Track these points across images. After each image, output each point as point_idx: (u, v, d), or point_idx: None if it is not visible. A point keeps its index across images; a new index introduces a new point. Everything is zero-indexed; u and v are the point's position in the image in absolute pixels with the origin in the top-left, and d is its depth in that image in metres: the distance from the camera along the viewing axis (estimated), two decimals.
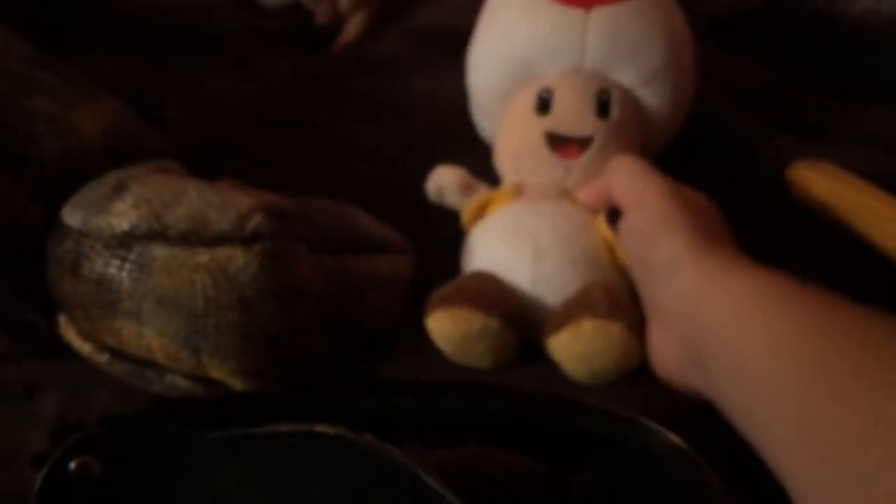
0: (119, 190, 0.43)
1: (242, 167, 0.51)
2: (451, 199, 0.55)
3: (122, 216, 0.42)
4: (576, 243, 0.50)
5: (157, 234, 0.42)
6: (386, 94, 0.68)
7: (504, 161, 0.55)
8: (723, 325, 0.40)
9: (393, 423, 0.39)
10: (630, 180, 0.48)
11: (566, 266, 0.49)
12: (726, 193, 0.48)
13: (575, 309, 0.47)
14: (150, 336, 0.43)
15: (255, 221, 0.43)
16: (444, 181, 0.55)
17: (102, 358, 0.45)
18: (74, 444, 0.37)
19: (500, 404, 0.42)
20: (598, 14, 0.53)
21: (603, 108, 0.53)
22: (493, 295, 0.47)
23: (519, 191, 0.53)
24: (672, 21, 0.56)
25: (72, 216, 0.44)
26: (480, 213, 0.53)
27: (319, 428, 0.36)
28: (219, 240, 0.42)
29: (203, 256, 0.42)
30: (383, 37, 0.77)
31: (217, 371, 0.44)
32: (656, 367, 0.46)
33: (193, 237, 0.42)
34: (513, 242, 0.50)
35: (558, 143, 0.53)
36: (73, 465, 0.36)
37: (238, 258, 0.42)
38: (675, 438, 0.39)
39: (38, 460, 0.37)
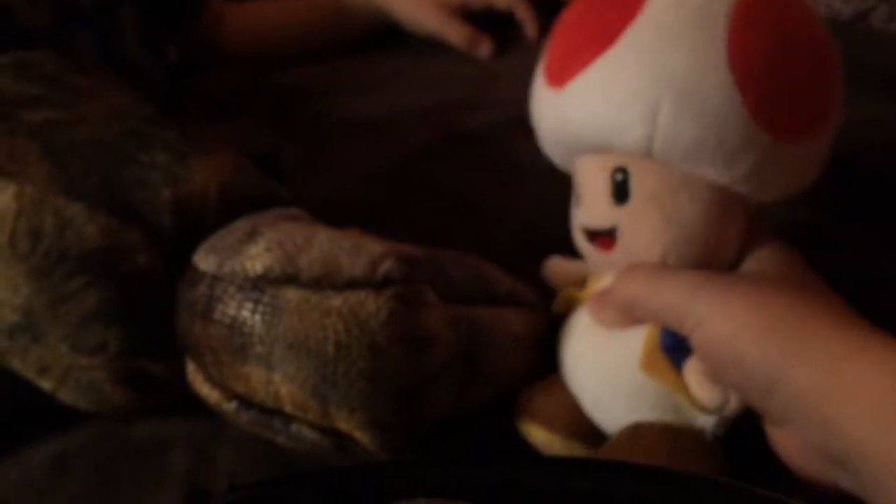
0: (252, 234, 0.43)
1: (366, 225, 0.50)
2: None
3: (257, 259, 0.42)
4: (621, 373, 0.45)
5: (291, 278, 0.41)
6: (522, 155, 0.66)
7: None
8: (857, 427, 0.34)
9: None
10: (655, 294, 0.41)
11: (613, 399, 0.45)
12: None
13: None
14: (278, 382, 0.42)
15: (386, 266, 0.42)
16: (550, 278, 0.51)
17: (230, 406, 0.44)
18: None
19: (665, 489, 0.38)
20: None
21: (620, 190, 0.43)
22: (556, 410, 0.47)
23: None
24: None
25: (205, 261, 0.44)
26: (567, 308, 0.49)
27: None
28: (350, 284, 0.41)
29: (335, 300, 0.41)
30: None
31: (344, 422, 0.42)
32: (791, 468, 0.41)
33: (325, 281, 0.41)
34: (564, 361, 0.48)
35: (595, 236, 0.45)
36: None
37: (369, 303, 0.41)
38: None
39: None
